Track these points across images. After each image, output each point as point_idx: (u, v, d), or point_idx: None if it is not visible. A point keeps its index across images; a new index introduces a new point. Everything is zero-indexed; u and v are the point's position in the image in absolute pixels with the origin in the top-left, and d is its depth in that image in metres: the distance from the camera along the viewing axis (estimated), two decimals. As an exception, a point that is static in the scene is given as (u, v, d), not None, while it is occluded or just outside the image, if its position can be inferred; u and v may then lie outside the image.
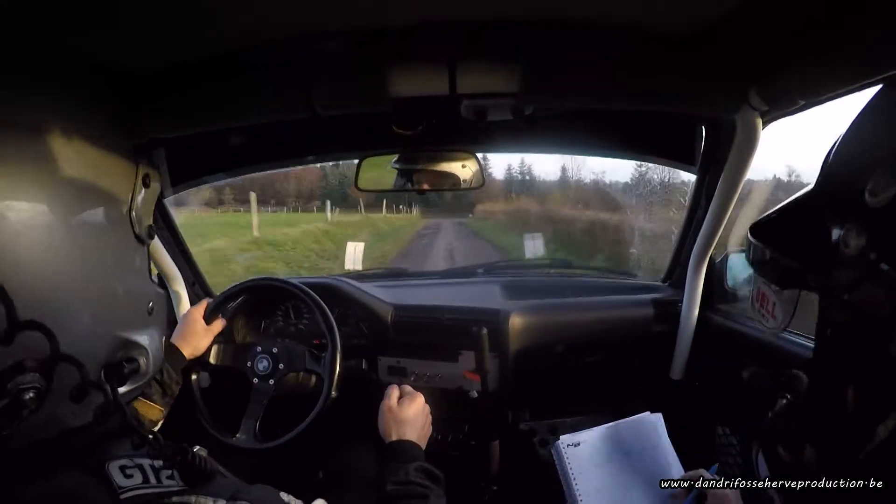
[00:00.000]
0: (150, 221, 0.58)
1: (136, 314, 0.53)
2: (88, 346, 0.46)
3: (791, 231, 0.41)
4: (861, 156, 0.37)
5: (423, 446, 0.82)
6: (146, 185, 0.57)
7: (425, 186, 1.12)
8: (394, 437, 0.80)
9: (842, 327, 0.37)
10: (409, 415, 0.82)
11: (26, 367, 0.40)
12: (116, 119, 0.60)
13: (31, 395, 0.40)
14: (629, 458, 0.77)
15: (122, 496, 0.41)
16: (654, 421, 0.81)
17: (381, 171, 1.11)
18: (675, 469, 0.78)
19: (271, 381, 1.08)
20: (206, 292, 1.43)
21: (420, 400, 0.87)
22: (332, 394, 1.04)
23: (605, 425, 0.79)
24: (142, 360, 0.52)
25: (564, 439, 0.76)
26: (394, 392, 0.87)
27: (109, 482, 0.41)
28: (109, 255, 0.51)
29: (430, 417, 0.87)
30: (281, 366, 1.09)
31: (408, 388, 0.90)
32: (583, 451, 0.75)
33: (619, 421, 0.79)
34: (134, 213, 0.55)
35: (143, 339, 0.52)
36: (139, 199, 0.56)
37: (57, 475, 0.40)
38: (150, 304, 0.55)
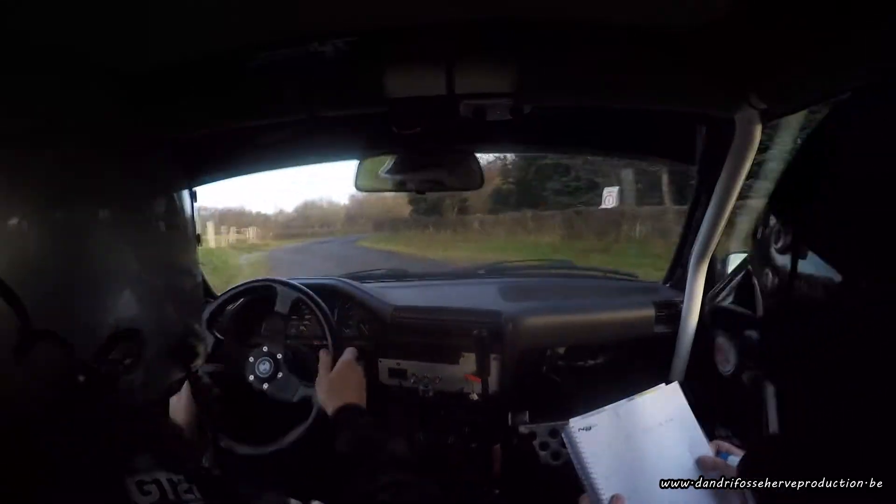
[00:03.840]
0: None
1: (197, 306, 0.57)
2: (167, 328, 0.50)
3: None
4: None
5: (363, 396, 0.90)
6: None
7: (424, 188, 1.12)
8: (338, 404, 0.84)
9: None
10: (337, 376, 0.90)
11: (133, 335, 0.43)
12: (116, 121, 0.60)
13: (130, 360, 0.43)
14: (649, 433, 0.71)
15: None
16: (671, 392, 0.75)
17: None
18: (699, 441, 0.72)
19: (270, 385, 1.07)
20: (208, 292, 1.43)
21: (345, 357, 0.95)
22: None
23: (620, 402, 0.72)
24: (199, 348, 0.55)
25: (574, 423, 0.69)
26: (323, 362, 0.94)
27: (128, 500, 0.41)
28: (174, 251, 0.53)
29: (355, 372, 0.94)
30: (280, 374, 1.08)
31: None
32: (596, 433, 0.69)
33: (635, 396, 0.73)
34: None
35: (200, 329, 0.56)
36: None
37: (76, 492, 0.40)
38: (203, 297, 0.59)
